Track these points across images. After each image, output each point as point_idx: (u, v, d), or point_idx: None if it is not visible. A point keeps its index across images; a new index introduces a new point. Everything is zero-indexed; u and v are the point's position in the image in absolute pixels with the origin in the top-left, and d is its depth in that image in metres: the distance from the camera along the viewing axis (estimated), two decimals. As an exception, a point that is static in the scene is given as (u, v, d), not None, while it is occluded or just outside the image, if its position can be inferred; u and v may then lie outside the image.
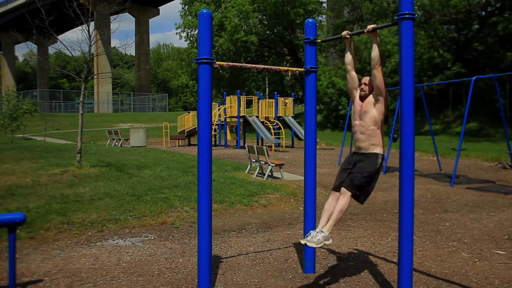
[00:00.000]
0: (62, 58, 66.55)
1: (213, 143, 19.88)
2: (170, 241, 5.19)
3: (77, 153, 9.71)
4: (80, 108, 9.97)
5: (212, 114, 13.32)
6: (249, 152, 10.86)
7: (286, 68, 4.10)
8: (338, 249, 4.91)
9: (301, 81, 30.74)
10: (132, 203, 6.57)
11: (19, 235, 5.04)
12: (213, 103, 16.55)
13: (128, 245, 5.03)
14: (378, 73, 3.49)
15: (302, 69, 4.16)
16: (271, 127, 20.27)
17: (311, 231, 3.46)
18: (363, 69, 22.81)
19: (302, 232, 4.63)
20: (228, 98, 21.23)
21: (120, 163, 10.69)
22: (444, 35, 23.92)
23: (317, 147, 4.33)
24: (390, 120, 14.68)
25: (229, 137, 22.09)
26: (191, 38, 34.31)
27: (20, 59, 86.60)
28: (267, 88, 37.97)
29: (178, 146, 21.35)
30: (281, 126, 20.87)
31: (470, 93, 9.66)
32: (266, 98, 26.69)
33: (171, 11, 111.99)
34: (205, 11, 3.55)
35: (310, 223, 4.10)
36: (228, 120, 21.26)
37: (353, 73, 3.82)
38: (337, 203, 3.53)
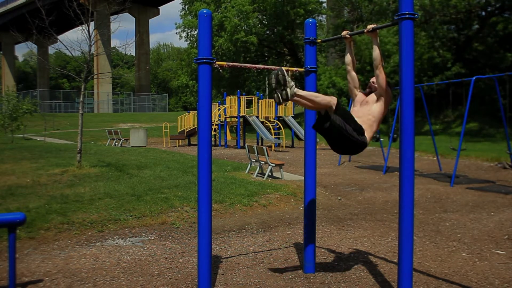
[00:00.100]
0: (62, 58, 66.52)
1: (213, 143, 19.90)
2: (170, 241, 5.19)
3: (77, 153, 9.71)
4: (80, 108, 9.97)
5: (212, 114, 13.32)
6: (249, 152, 10.86)
7: (286, 68, 4.10)
8: (338, 249, 4.91)
9: (301, 81, 30.70)
10: (132, 203, 6.57)
11: (19, 235, 5.05)
12: (213, 103, 16.57)
13: (128, 245, 5.03)
14: (380, 73, 3.50)
15: (302, 69, 4.16)
16: (271, 127, 20.27)
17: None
18: (363, 69, 22.83)
19: (302, 232, 4.63)
20: (228, 98, 21.24)
21: (120, 163, 10.69)
22: (444, 35, 23.94)
23: (317, 147, 4.32)
24: (390, 120, 14.69)
25: (229, 137, 22.09)
26: (191, 38, 34.31)
27: (20, 59, 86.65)
28: (267, 88, 37.95)
29: (178, 146, 21.35)
30: (281, 126, 20.88)
31: (470, 93, 9.66)
32: (266, 98, 26.70)
33: (171, 11, 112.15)
34: (205, 11, 3.55)
35: (310, 223, 4.10)
36: (228, 120, 21.26)
37: (353, 73, 3.83)
38: (322, 96, 3.36)
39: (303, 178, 4.28)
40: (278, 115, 21.30)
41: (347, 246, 5.01)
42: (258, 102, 21.34)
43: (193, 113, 22.33)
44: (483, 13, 25.09)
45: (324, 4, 35.50)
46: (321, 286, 3.80)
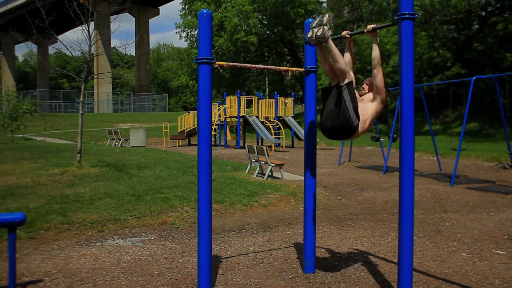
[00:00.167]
0: (62, 58, 66.53)
1: (213, 143, 19.90)
2: (170, 241, 5.19)
3: (77, 153, 9.71)
4: (80, 108, 9.97)
5: (212, 114, 13.32)
6: (249, 152, 10.86)
7: (286, 68, 4.10)
8: (338, 249, 4.91)
9: (301, 81, 30.74)
10: (132, 203, 6.57)
11: (19, 235, 5.05)
12: (213, 103, 16.58)
13: (128, 245, 5.03)
14: (378, 73, 3.51)
15: (302, 69, 4.16)
16: (271, 127, 20.27)
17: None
18: (363, 68, 22.82)
19: (302, 232, 4.63)
20: (228, 98, 21.23)
21: (120, 163, 10.69)
22: (444, 35, 23.94)
23: (317, 147, 4.32)
24: (390, 120, 14.69)
25: (229, 137, 22.09)
26: (191, 38, 34.32)
27: (20, 59, 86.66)
28: (267, 88, 37.97)
29: (178, 146, 21.35)
30: (281, 126, 20.87)
31: (470, 93, 9.66)
32: (266, 98, 26.70)
33: (171, 11, 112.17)
34: (205, 11, 3.55)
35: (310, 223, 4.10)
36: (228, 120, 21.26)
37: (351, 74, 3.83)
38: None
39: (303, 178, 4.28)
40: (278, 115, 21.31)
41: (347, 246, 5.01)
42: (258, 102, 21.34)
43: (193, 113, 22.33)
44: (483, 13, 25.11)
45: (324, 4, 35.53)
46: (321, 286, 3.80)
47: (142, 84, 56.18)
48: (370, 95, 3.63)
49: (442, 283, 3.86)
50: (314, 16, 33.66)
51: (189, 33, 34.18)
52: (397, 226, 3.91)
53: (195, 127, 21.45)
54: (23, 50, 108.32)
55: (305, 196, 4.13)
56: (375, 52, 3.52)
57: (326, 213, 6.79)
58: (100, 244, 5.05)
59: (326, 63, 3.60)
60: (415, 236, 5.20)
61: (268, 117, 21.09)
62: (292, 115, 22.02)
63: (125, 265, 4.33)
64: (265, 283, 3.85)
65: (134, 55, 60.33)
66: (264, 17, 33.69)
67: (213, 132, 20.11)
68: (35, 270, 4.18)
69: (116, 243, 5.10)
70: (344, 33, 3.81)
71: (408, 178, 3.15)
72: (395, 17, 3.16)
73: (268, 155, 9.82)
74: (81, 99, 9.98)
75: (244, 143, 19.75)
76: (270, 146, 19.58)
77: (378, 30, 3.58)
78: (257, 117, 20.57)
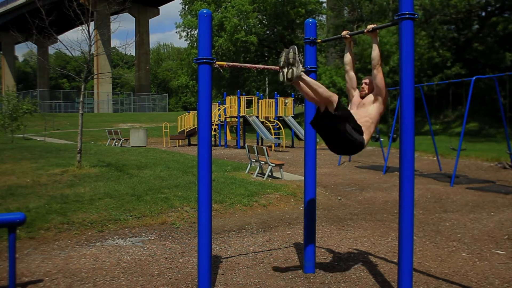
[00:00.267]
0: (62, 58, 66.51)
1: (213, 143, 19.90)
2: (170, 241, 5.19)
3: (77, 153, 9.71)
4: (80, 108, 9.97)
5: (212, 114, 13.32)
6: (249, 152, 10.86)
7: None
8: (338, 249, 4.91)
9: (301, 81, 30.63)
10: (132, 203, 6.57)
11: (19, 235, 5.05)
12: (213, 103, 16.56)
13: (128, 245, 5.03)
14: (378, 73, 3.50)
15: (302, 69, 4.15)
16: (271, 127, 20.27)
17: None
18: (364, 68, 22.82)
19: (302, 232, 4.63)
20: (228, 98, 21.23)
21: (120, 163, 10.69)
22: (444, 35, 23.94)
23: (317, 147, 4.32)
24: (390, 120, 14.69)
25: (229, 137, 22.09)
26: (191, 38, 34.32)
27: (20, 59, 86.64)
28: (267, 88, 37.94)
29: (178, 146, 21.35)
30: (281, 126, 20.87)
31: (470, 93, 9.66)
32: (266, 98, 26.69)
33: (171, 11, 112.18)
34: (205, 11, 3.55)
35: (310, 223, 4.10)
36: (228, 120, 21.26)
37: (352, 73, 3.83)
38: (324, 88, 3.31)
39: (303, 178, 4.28)
40: (278, 115, 21.31)
41: (347, 246, 5.01)
42: (258, 102, 21.34)
43: (193, 113, 22.33)
44: (483, 13, 25.11)
45: (324, 4, 35.53)
46: (321, 286, 3.80)
47: (142, 84, 56.19)
48: (371, 97, 3.61)
49: (442, 283, 3.86)
50: (314, 16, 33.72)
51: (189, 33, 34.20)
52: (397, 226, 3.91)
53: (195, 127, 21.45)
54: (23, 50, 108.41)
55: (305, 196, 4.13)
56: (375, 52, 3.52)
57: (326, 213, 6.79)
58: (100, 244, 5.05)
59: (306, 94, 3.40)
60: (415, 236, 5.19)
61: (268, 117, 21.09)
62: (292, 115, 22.02)
63: (125, 265, 4.33)
64: (265, 283, 3.85)
65: (134, 55, 60.36)
66: (264, 17, 33.69)
67: (213, 132, 20.11)
68: (35, 270, 4.18)
69: (116, 243, 5.10)
70: (344, 33, 3.81)
71: (408, 178, 3.15)
72: (395, 17, 3.17)
73: (268, 155, 9.82)
74: (81, 99, 9.98)
75: (244, 143, 19.75)
76: (270, 146, 19.58)
77: (378, 30, 3.58)
78: (257, 117, 20.57)
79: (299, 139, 20.71)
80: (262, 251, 4.79)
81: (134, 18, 54.68)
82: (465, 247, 4.96)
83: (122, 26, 52.45)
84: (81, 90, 9.98)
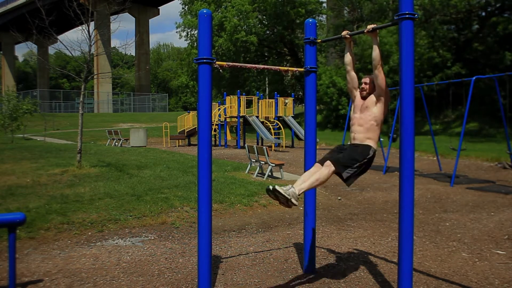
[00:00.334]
0: (62, 58, 66.52)
1: (213, 143, 19.89)
2: (170, 241, 5.19)
3: (77, 153, 9.71)
4: (80, 108, 9.97)
5: (212, 114, 13.32)
6: (249, 152, 10.86)
7: (286, 68, 4.10)
8: (338, 249, 4.91)
9: (301, 81, 30.74)
10: (132, 203, 6.57)
11: (19, 235, 5.05)
12: (213, 103, 16.56)
13: (128, 245, 5.03)
14: (379, 73, 3.50)
15: (302, 69, 4.16)
16: (271, 127, 20.27)
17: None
18: (364, 68, 22.82)
19: (302, 232, 4.63)
20: (228, 98, 21.23)
21: (120, 163, 10.69)
22: (444, 35, 23.93)
23: (317, 147, 4.32)
24: (390, 120, 14.69)
25: (229, 137, 22.09)
26: (191, 38, 34.31)
27: (20, 59, 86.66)
28: (267, 88, 37.97)
29: (178, 146, 21.36)
30: (281, 126, 20.87)
31: (470, 93, 9.66)
32: (266, 98, 26.69)
33: (171, 11, 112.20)
34: (205, 11, 3.55)
35: (310, 223, 4.10)
36: (228, 120, 21.26)
37: (353, 73, 3.83)
38: (318, 172, 3.42)
39: (303, 178, 4.27)
40: (278, 115, 21.30)
41: (347, 246, 5.01)
42: (258, 102, 21.34)
43: (193, 113, 22.33)
44: (483, 13, 25.09)
45: (324, 4, 35.52)
46: (321, 286, 3.80)
47: (142, 84, 56.20)
48: (373, 98, 3.60)
49: (442, 283, 3.86)
50: (314, 16, 33.71)
51: (189, 33, 34.19)
52: (397, 226, 3.91)
53: (195, 127, 21.45)
54: (23, 50, 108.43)
55: (305, 196, 4.13)
56: (375, 52, 3.51)
57: (326, 213, 6.79)
58: (100, 244, 5.05)
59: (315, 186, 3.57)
60: (415, 236, 5.19)
61: (268, 117, 21.09)
62: (292, 115, 22.02)
63: (125, 265, 4.33)
64: (265, 283, 3.85)
65: (134, 55, 60.36)
66: (264, 17, 33.69)
67: (213, 132, 20.11)
68: (35, 270, 4.18)
69: (116, 243, 5.10)
70: (344, 33, 3.81)
71: (408, 178, 3.15)
72: (395, 17, 3.16)
73: (268, 155, 9.82)
74: (81, 99, 9.99)
75: (244, 143, 19.75)
76: (270, 146, 19.58)
77: (378, 30, 3.58)
78: (257, 117, 20.57)
79: (299, 139, 20.71)
80: (262, 251, 4.79)
81: (134, 18, 54.70)
82: (465, 247, 4.96)
83: (122, 26, 52.49)
84: (81, 90, 9.99)
